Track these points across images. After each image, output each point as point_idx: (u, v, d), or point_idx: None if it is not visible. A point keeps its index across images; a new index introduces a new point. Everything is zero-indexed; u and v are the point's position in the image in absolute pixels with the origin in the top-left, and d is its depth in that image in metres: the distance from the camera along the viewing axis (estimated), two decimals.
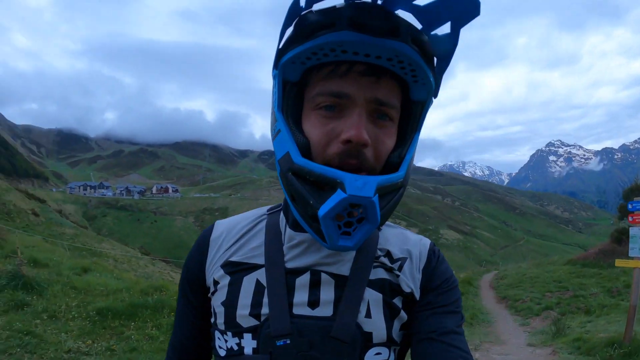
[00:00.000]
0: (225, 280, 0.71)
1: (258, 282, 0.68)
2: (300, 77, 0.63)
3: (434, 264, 0.75)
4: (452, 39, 0.58)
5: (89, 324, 5.64)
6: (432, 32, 0.58)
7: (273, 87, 0.65)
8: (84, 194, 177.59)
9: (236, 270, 0.71)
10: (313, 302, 0.66)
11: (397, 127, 0.66)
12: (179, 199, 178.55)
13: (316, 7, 0.56)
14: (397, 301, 0.70)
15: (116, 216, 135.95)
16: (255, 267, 0.70)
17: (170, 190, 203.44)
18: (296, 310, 0.66)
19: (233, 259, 0.73)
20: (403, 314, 0.70)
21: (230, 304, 0.69)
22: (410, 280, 0.72)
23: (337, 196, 0.56)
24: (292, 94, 0.64)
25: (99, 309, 6.09)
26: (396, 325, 0.70)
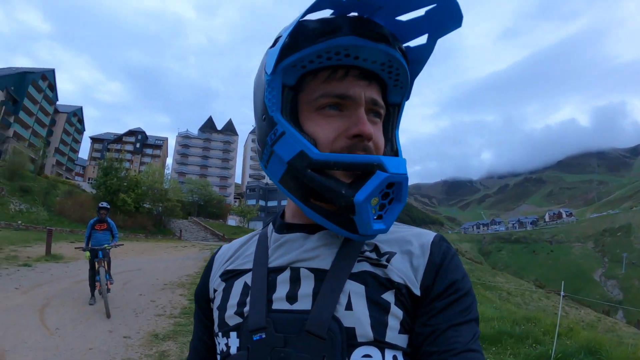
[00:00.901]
0: (220, 288, 0.74)
1: (245, 284, 0.70)
2: (296, 82, 0.65)
3: (438, 260, 0.66)
4: (429, 49, 0.66)
5: None
6: (406, 45, 0.66)
7: (265, 93, 0.65)
8: (478, 232, 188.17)
9: (229, 276, 0.74)
10: (291, 297, 0.65)
11: (382, 125, 0.70)
12: (574, 223, 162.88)
13: (308, 16, 0.61)
14: (387, 296, 0.63)
15: (511, 249, 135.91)
16: (244, 272, 0.73)
17: (564, 215, 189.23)
18: (275, 306, 0.65)
19: (229, 268, 0.76)
20: (396, 309, 0.62)
21: (222, 307, 0.71)
22: (403, 274, 0.65)
23: (378, 177, 0.57)
24: (289, 98, 0.65)
25: None
26: (392, 323, 0.61)
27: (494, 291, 23.75)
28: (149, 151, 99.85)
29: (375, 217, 0.60)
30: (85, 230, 8.19)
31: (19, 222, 28.73)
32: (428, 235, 0.71)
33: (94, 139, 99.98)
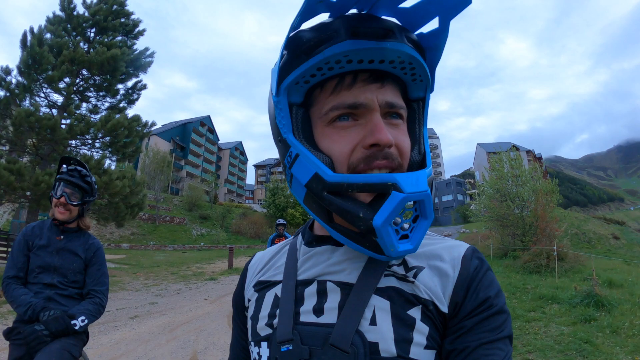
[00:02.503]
0: (254, 298, 0.75)
1: (276, 296, 0.71)
2: (304, 97, 0.63)
3: (470, 275, 0.63)
4: (442, 33, 0.59)
5: None
6: (419, 32, 0.60)
7: (275, 114, 0.63)
8: None
9: (262, 287, 0.75)
10: (318, 310, 0.64)
11: (406, 125, 0.66)
12: None
13: (303, 26, 0.58)
14: (413, 312, 0.61)
15: None
16: (275, 283, 0.73)
17: None
18: (302, 318, 0.65)
19: (261, 278, 0.77)
20: (422, 326, 0.60)
21: (255, 318, 0.71)
22: (430, 290, 0.62)
23: (394, 198, 0.54)
24: (299, 116, 0.62)
25: None
26: (417, 339, 0.59)
27: None
28: None
29: (399, 237, 0.57)
30: (264, 245, 8.41)
31: (202, 243, 33.16)
32: (460, 247, 0.67)
33: (257, 166, 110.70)
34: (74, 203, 2.35)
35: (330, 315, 0.63)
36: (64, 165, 2.47)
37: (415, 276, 0.63)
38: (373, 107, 0.59)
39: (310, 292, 0.67)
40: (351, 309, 0.61)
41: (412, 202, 0.57)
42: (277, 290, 0.71)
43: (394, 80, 0.62)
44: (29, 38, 11.31)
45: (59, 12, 12.56)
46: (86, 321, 2.19)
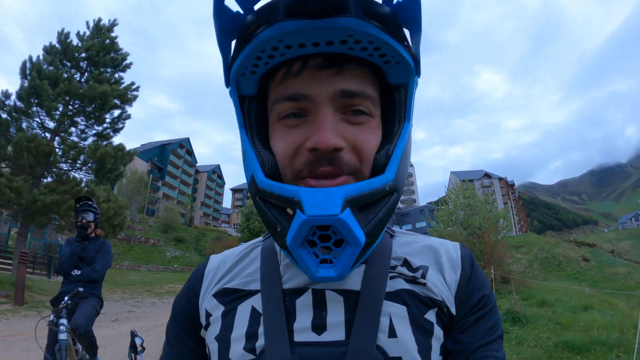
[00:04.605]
0: (218, 312, 0.60)
1: (254, 310, 0.57)
2: (258, 89, 0.56)
3: (468, 272, 0.61)
4: None
5: (542, 352, 6.05)
6: (395, 1, 0.50)
7: (235, 108, 0.57)
8: (637, 224, 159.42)
9: (230, 299, 0.60)
10: (319, 326, 0.53)
11: (379, 121, 0.55)
12: None
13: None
14: (430, 315, 0.56)
15: None
16: (250, 294, 0.59)
17: None
18: (298, 337, 0.53)
19: (227, 286, 0.62)
20: (438, 330, 0.56)
21: (224, 339, 0.57)
22: (440, 290, 0.58)
23: (297, 219, 0.47)
24: (252, 110, 0.57)
25: (560, 341, 6.45)
26: (435, 346, 0.55)
27: None
28: None
29: (320, 261, 0.49)
30: None
31: (175, 265, 33.91)
32: (454, 245, 0.64)
33: (235, 190, 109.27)
34: (89, 220, 4.12)
35: (335, 332, 0.53)
36: (78, 204, 4.24)
37: (423, 277, 0.58)
38: (318, 99, 0.50)
39: (304, 303, 0.55)
40: (365, 320, 0.52)
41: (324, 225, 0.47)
42: (255, 302, 0.58)
43: (360, 64, 0.52)
44: (28, 66, 12.69)
45: (55, 43, 13.81)
46: (80, 272, 3.96)
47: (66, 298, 3.53)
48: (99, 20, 14.97)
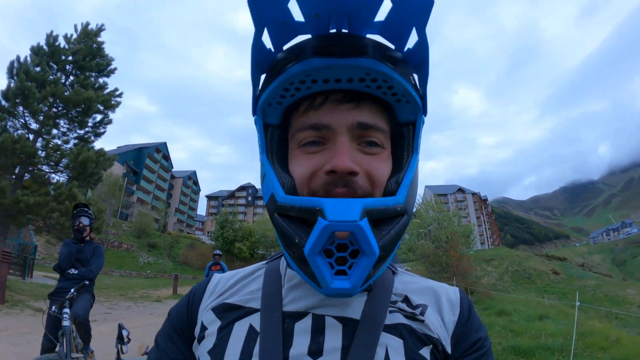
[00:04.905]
0: (214, 326, 0.60)
1: (251, 328, 0.58)
2: (281, 119, 0.61)
3: (466, 315, 0.63)
4: (422, 43, 0.54)
5: None
6: (406, 49, 0.56)
7: (258, 134, 0.61)
8: (608, 239, 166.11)
9: (228, 314, 0.61)
10: (315, 351, 0.54)
11: (390, 154, 0.60)
12: None
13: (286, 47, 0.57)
14: (424, 352, 0.57)
15: None
16: (249, 312, 0.60)
17: None
18: None
19: (226, 301, 0.63)
20: None
21: (218, 353, 0.57)
22: (437, 329, 0.60)
23: (318, 225, 0.49)
24: (275, 137, 0.61)
25: (508, 346, 6.96)
26: None
27: (622, 306, 23.07)
28: (260, 203, 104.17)
29: (335, 272, 0.51)
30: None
31: (148, 271, 33.59)
32: (453, 289, 0.67)
33: (210, 197, 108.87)
34: (85, 224, 4.70)
35: (331, 358, 0.54)
36: (76, 210, 4.82)
37: (422, 314, 0.60)
38: (338, 129, 0.55)
39: (303, 327, 0.56)
40: (361, 349, 0.53)
41: (345, 233, 0.50)
42: (253, 320, 0.59)
43: (375, 102, 0.58)
44: (15, 66, 12.89)
45: (43, 44, 14.01)
46: (77, 271, 4.51)
47: (72, 290, 4.05)
48: (87, 24, 15.28)
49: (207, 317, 0.62)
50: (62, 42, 14.56)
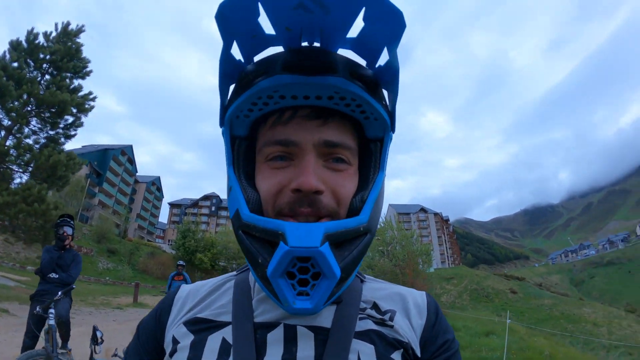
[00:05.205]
0: (187, 340, 0.60)
1: (224, 341, 0.58)
2: (249, 131, 0.61)
3: (433, 318, 0.65)
4: (393, 63, 0.54)
5: None
6: (377, 65, 0.57)
7: (225, 146, 0.61)
8: (566, 260, 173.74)
9: (200, 328, 0.61)
10: None
11: (357, 170, 0.61)
12: None
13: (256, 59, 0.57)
14: (396, 356, 0.58)
15: (604, 274, 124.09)
16: (221, 325, 0.60)
17: None
18: None
19: (199, 315, 0.63)
20: None
21: None
22: (406, 333, 0.61)
23: (280, 250, 0.50)
24: (242, 150, 0.61)
25: None
26: None
27: (577, 324, 23.95)
28: (223, 213, 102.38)
29: (297, 293, 0.52)
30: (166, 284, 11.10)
31: (107, 278, 32.57)
32: (420, 293, 0.69)
33: (172, 205, 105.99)
34: (69, 233, 5.07)
35: None
36: (60, 220, 5.20)
37: (391, 320, 0.61)
38: (304, 146, 0.55)
39: (275, 337, 0.57)
40: (333, 356, 0.54)
41: (305, 257, 0.50)
42: (226, 334, 0.58)
43: (343, 118, 0.58)
44: None
45: (22, 40, 13.99)
46: (57, 276, 4.87)
47: (60, 292, 4.45)
48: (68, 24, 15.31)
49: (178, 331, 0.62)
50: (41, 40, 14.54)
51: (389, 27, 0.50)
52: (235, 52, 0.55)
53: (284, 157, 0.57)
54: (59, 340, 4.52)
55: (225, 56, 0.53)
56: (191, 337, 0.60)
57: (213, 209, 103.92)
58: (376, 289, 0.68)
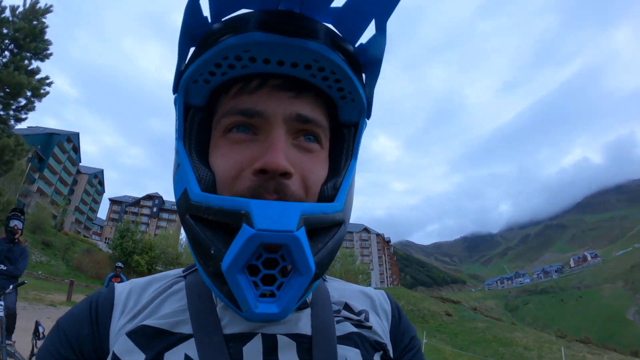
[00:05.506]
0: (134, 357, 0.48)
1: (187, 358, 0.48)
2: (207, 101, 0.52)
3: (397, 317, 0.64)
4: (380, 39, 0.48)
5: None
6: (358, 44, 0.50)
7: (176, 116, 0.52)
8: (502, 286, 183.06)
9: (152, 342, 0.49)
10: None
11: (327, 154, 0.54)
12: (601, 265, 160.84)
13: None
14: (377, 358, 0.55)
15: (538, 301, 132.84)
16: (181, 339, 0.49)
17: (589, 258, 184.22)
18: None
19: (146, 323, 0.51)
20: None
21: None
22: (383, 334, 0.59)
23: (243, 234, 0.41)
24: (196, 122, 0.52)
25: None
26: None
27: (509, 347, 24.83)
28: (165, 215, 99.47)
29: (259, 294, 0.43)
30: (102, 285, 10.58)
31: (40, 272, 30.50)
32: (380, 292, 0.67)
33: (113, 201, 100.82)
34: (20, 227, 5.27)
35: None
36: (11, 213, 5.37)
37: (367, 320, 0.58)
38: (273, 119, 0.47)
39: (253, 350, 0.48)
40: None
41: (276, 245, 0.42)
42: (188, 349, 0.48)
43: (317, 95, 0.51)
44: None
45: None
46: (6, 268, 4.98)
47: (11, 286, 4.60)
48: (37, 1, 14.72)
49: (121, 345, 0.49)
50: (8, 14, 13.91)
51: None
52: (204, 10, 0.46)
53: (247, 129, 0.49)
54: (5, 333, 4.57)
55: (192, 5, 0.44)
56: (141, 355, 0.48)
57: (155, 209, 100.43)
58: (342, 289, 0.64)
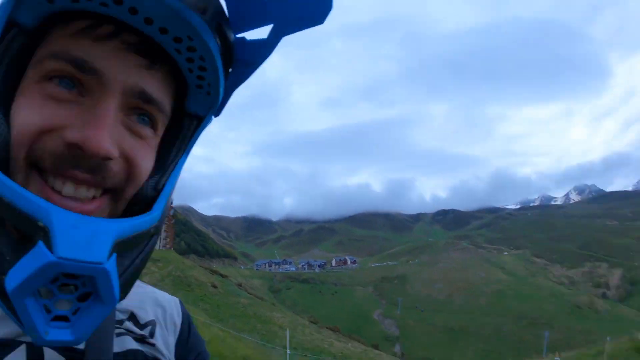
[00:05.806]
0: None
1: None
2: (38, 26, 0.40)
3: (186, 333, 0.61)
4: (268, 48, 0.45)
5: None
6: (240, 35, 0.45)
7: None
8: (270, 269, 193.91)
9: None
10: None
11: (158, 141, 0.48)
12: (357, 270, 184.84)
13: None
14: None
15: (299, 289, 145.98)
16: None
17: (348, 262, 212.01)
18: None
19: None
20: None
21: None
22: (167, 350, 0.55)
23: (38, 257, 0.33)
24: (13, 47, 0.39)
25: None
26: None
27: (266, 324, 26.36)
28: None
29: (52, 318, 0.36)
30: None
31: None
32: (173, 300, 0.63)
33: None
34: None
35: None
36: None
37: (152, 335, 0.53)
38: (111, 85, 0.39)
39: None
40: None
41: (79, 275, 0.35)
42: None
43: (169, 73, 0.44)
44: None
45: None
46: None
47: None
48: None
49: None
50: None
51: (303, 13, 0.40)
52: None
53: (72, 86, 0.40)
54: None
55: None
56: None
57: None
58: (133, 293, 0.49)
